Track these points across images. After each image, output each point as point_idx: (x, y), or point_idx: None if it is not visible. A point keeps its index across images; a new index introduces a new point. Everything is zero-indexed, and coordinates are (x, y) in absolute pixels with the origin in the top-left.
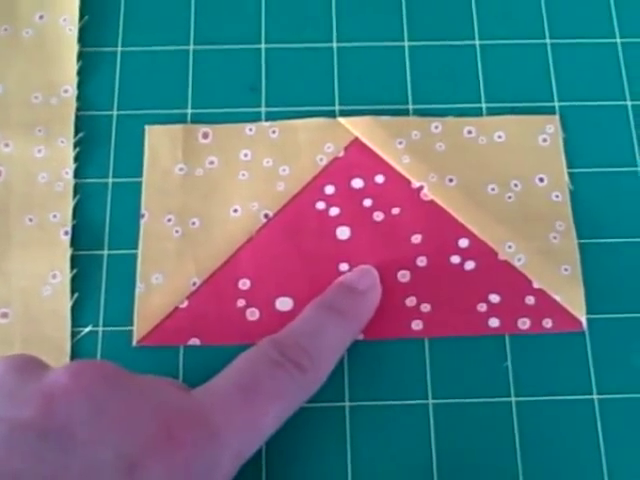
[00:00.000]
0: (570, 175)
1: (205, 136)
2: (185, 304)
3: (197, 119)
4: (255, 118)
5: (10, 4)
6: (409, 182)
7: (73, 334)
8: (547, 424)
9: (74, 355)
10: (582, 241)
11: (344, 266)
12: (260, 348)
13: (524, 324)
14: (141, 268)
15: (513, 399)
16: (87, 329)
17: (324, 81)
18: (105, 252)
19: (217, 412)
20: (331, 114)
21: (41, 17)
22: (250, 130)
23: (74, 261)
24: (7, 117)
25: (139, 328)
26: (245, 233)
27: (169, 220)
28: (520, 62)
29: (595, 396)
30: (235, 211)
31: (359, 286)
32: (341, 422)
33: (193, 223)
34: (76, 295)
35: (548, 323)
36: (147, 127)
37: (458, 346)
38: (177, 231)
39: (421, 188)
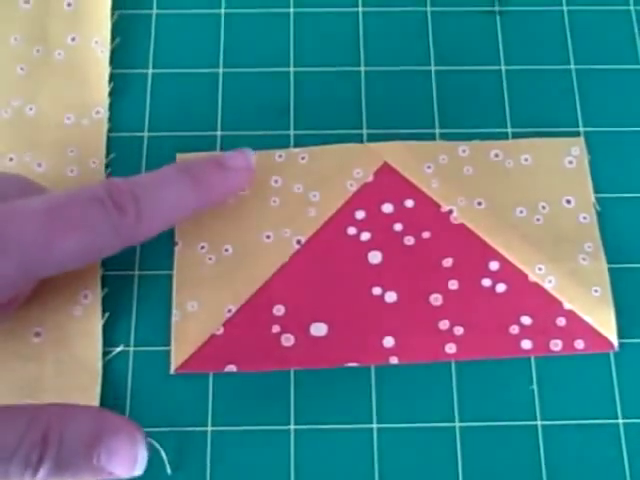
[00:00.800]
0: (596, 200)
1: None
2: (221, 331)
3: (227, 141)
4: (284, 141)
5: (42, 26)
6: (439, 206)
7: (104, 354)
8: (573, 448)
9: (106, 375)
10: (611, 266)
11: (377, 290)
12: (92, 186)
13: (556, 345)
14: (176, 296)
15: (539, 423)
16: (118, 349)
17: (352, 105)
18: (136, 272)
19: (14, 225)
20: (359, 138)
21: (73, 39)
22: (280, 157)
23: (105, 281)
24: (39, 137)
25: (176, 356)
26: (278, 259)
27: (202, 248)
28: (545, 88)
29: (620, 420)
30: (268, 237)
31: (227, 162)
32: (368, 444)
33: (226, 250)
34: (107, 315)
35: (580, 344)
36: (178, 155)
37: (485, 369)
38: (211, 258)
39: (450, 212)
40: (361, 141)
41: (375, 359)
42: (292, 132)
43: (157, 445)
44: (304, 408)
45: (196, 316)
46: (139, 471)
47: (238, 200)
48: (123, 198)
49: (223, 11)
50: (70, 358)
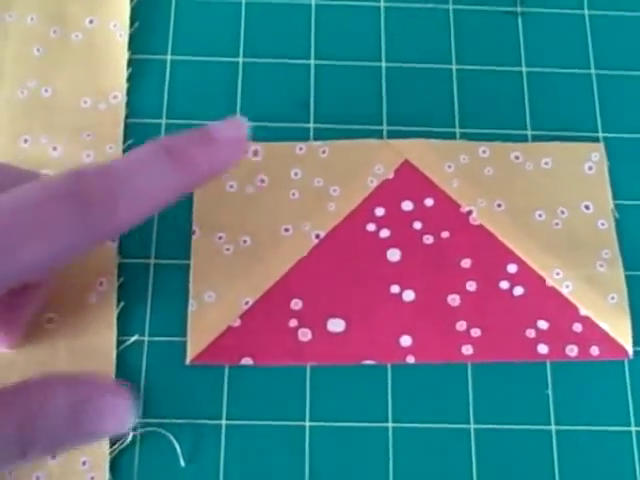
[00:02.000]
0: (614, 207)
1: (255, 154)
2: (238, 323)
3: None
4: (303, 134)
5: (59, 6)
6: (458, 206)
7: (119, 342)
8: (585, 454)
9: (119, 363)
10: (628, 273)
11: (395, 288)
12: (62, 178)
13: (572, 351)
14: (193, 286)
15: (553, 427)
16: (133, 338)
17: (372, 100)
18: (152, 261)
19: None
20: (378, 134)
21: (91, 21)
22: (300, 149)
23: (121, 269)
24: (55, 120)
25: (192, 346)
26: (297, 253)
27: (220, 238)
28: (565, 91)
29: (633, 428)
30: (286, 230)
31: (215, 134)
32: (384, 443)
33: (245, 241)
34: (122, 303)
35: (595, 350)
36: None
37: (500, 372)
38: (228, 249)
39: (470, 212)
40: (380, 137)
41: (392, 357)
42: (311, 125)
43: (171, 437)
44: (319, 404)
45: (213, 307)
46: (130, 424)
47: (257, 190)
48: (96, 193)
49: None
50: (84, 345)
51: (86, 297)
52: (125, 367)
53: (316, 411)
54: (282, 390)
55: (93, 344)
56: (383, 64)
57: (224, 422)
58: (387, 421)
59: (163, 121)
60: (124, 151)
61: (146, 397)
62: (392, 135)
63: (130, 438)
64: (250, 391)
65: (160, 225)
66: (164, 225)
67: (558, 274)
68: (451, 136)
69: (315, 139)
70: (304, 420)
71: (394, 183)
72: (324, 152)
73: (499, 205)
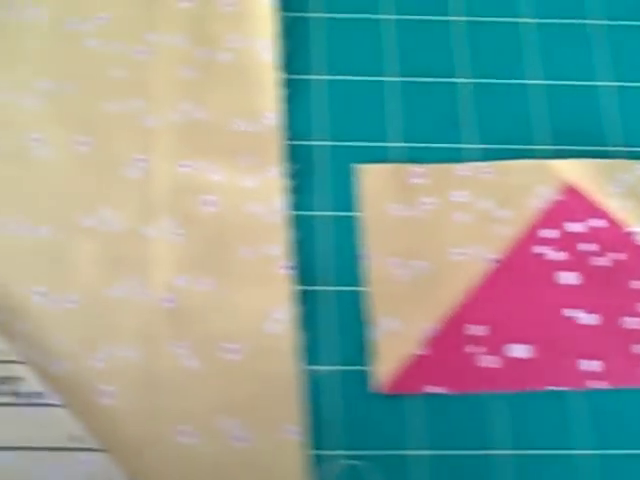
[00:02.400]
0: None
1: (418, 176)
2: (422, 350)
3: (402, 152)
4: (457, 155)
5: (202, 26)
6: (625, 227)
7: (302, 372)
8: None
9: (304, 393)
10: None
11: (570, 311)
12: None
13: None
14: (375, 313)
15: None
16: (315, 367)
17: (533, 119)
18: (332, 288)
19: None
20: (540, 153)
21: (235, 40)
22: (463, 170)
23: (301, 297)
24: (211, 143)
25: (380, 375)
26: (473, 277)
27: (394, 263)
28: None
29: None
30: (460, 254)
31: None
32: (564, 470)
33: (420, 266)
34: (303, 332)
35: None
36: (360, 166)
37: None
38: (405, 274)
39: (637, 233)
40: (543, 156)
41: (573, 383)
42: (476, 146)
43: (359, 467)
44: (499, 432)
45: (397, 335)
46: None
47: (423, 213)
48: None
49: (395, 17)
50: (264, 376)
51: (268, 327)
52: (309, 396)
53: (497, 439)
54: (463, 418)
55: (273, 374)
56: (543, 82)
57: (409, 452)
58: (569, 448)
59: (320, 143)
60: (291, 176)
61: (332, 426)
62: (555, 155)
63: (329, 471)
64: (432, 420)
65: (327, 251)
66: (332, 251)
67: None
68: (613, 154)
69: (471, 160)
70: (486, 449)
71: (561, 204)
72: (488, 173)
73: None
